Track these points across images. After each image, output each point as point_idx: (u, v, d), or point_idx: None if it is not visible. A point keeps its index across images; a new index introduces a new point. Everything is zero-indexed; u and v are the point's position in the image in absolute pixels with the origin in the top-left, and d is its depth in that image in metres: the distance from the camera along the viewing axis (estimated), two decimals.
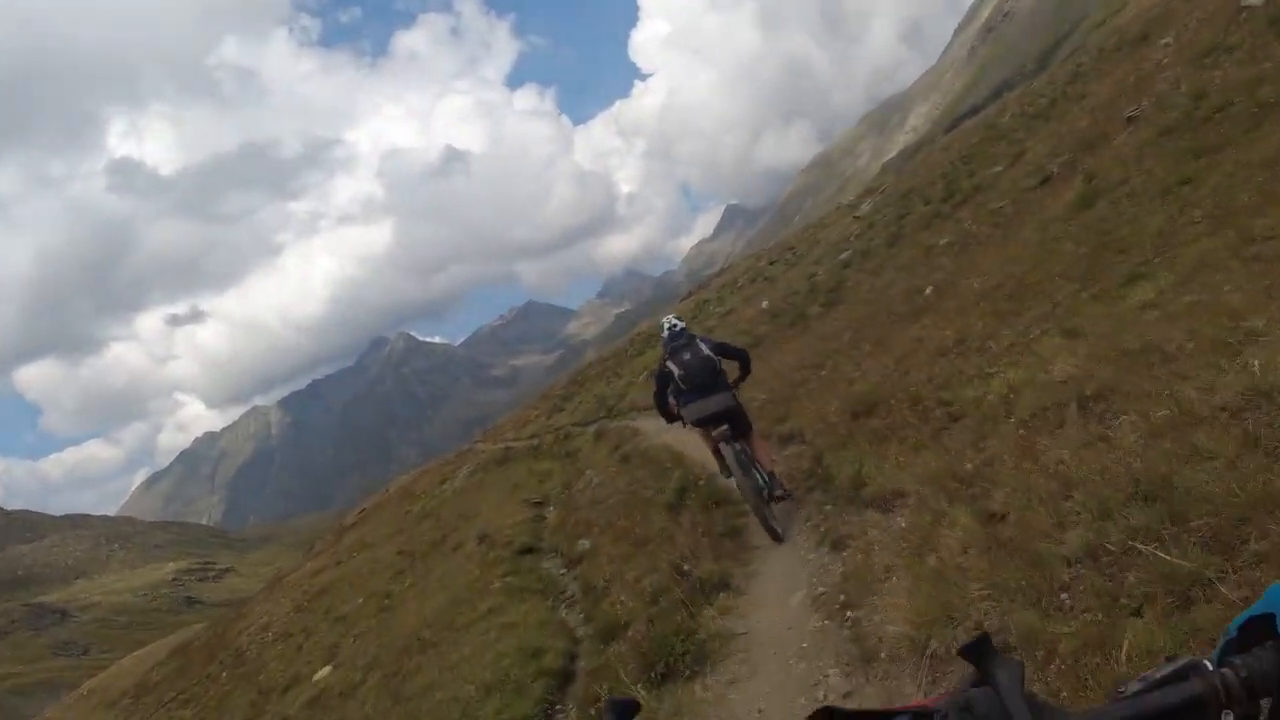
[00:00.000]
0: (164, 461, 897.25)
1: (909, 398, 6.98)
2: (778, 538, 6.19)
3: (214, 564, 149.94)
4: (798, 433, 8.50)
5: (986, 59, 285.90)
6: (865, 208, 29.64)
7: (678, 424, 7.04)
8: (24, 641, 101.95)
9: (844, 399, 8.27)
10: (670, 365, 6.62)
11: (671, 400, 6.88)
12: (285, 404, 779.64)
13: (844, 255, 22.90)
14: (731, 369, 6.93)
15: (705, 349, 6.57)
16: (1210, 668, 0.73)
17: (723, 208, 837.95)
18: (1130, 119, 13.17)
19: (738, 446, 6.30)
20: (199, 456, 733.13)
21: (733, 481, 6.59)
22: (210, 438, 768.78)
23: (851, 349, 11.54)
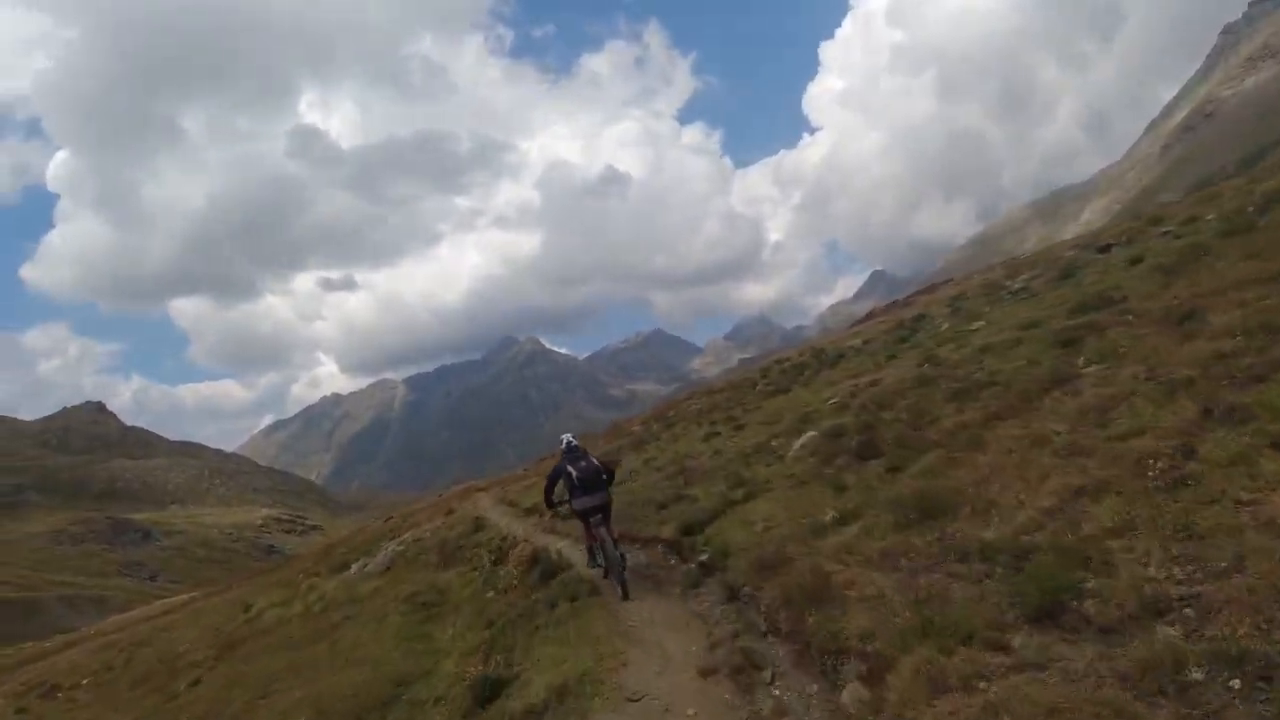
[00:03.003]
0: (290, 412, 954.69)
1: None
2: (626, 595, 8.77)
3: (304, 519, 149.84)
4: None
5: (1180, 158, 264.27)
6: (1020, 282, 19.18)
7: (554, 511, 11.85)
8: (94, 553, 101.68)
9: None
10: (570, 469, 9.36)
11: (561, 494, 9.74)
12: (410, 382, 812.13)
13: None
14: None
15: (595, 461, 9.51)
16: None
17: (868, 272, 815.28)
18: None
19: (604, 532, 9.23)
20: (322, 415, 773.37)
21: (591, 570, 9.89)
22: (336, 399, 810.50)
23: None
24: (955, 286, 27.05)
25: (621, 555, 9.08)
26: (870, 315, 37.82)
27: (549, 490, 9.87)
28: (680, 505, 10.59)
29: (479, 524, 15.63)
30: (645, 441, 20.74)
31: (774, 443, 11.87)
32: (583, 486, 9.19)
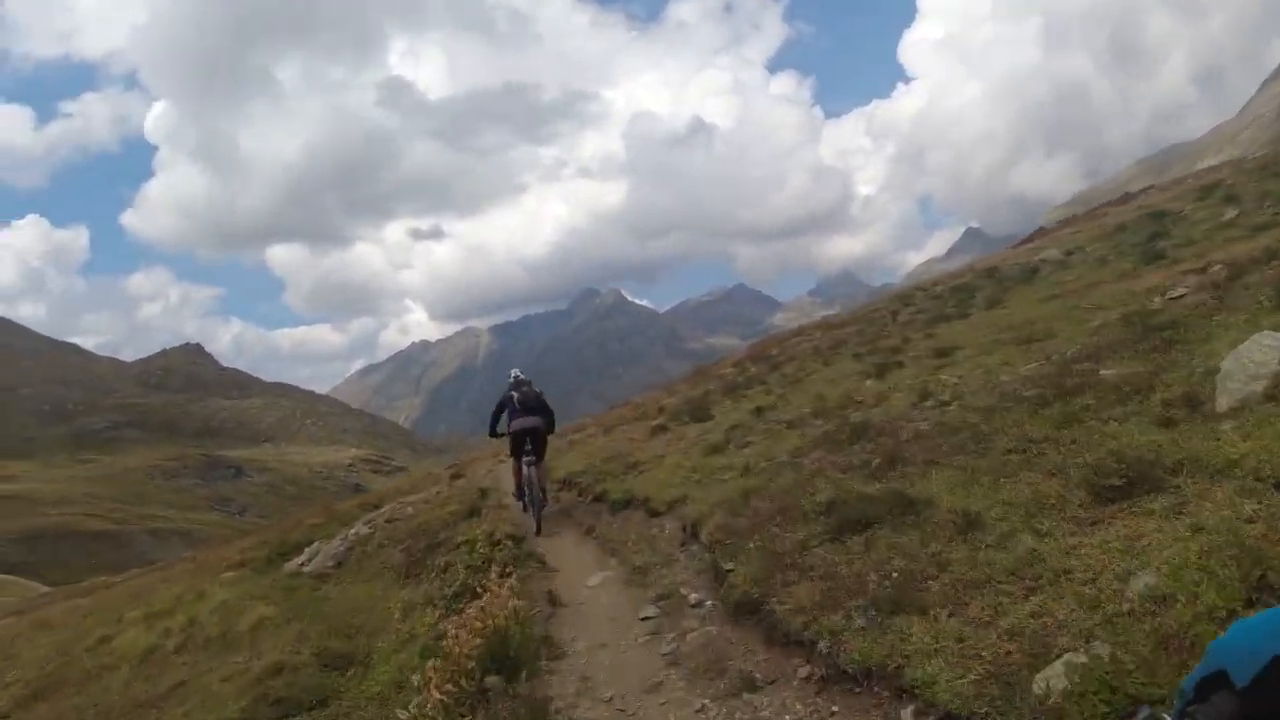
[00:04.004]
0: (381, 357, 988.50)
1: None
2: (539, 531, 9.59)
3: (390, 460, 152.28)
4: None
5: None
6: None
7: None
8: (186, 489, 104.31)
9: None
10: (513, 393, 10.32)
11: (504, 425, 10.41)
12: (495, 330, 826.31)
13: None
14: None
15: (537, 390, 10.45)
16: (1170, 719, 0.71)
17: (962, 229, 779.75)
18: None
19: (531, 471, 9.88)
20: (411, 360, 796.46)
21: (519, 502, 10.39)
22: (424, 345, 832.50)
23: None
24: (1161, 192, 20.73)
25: (543, 494, 10.06)
26: (1039, 233, 31.51)
27: (494, 420, 10.55)
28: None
29: (482, 497, 11.66)
30: (742, 386, 15.79)
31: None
32: (523, 407, 10.14)
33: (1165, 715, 0.87)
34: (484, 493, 11.80)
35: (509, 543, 8.18)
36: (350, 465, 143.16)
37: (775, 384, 14.48)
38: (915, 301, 18.43)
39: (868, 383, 10.35)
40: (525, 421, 10.04)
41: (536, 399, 10.24)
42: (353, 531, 11.66)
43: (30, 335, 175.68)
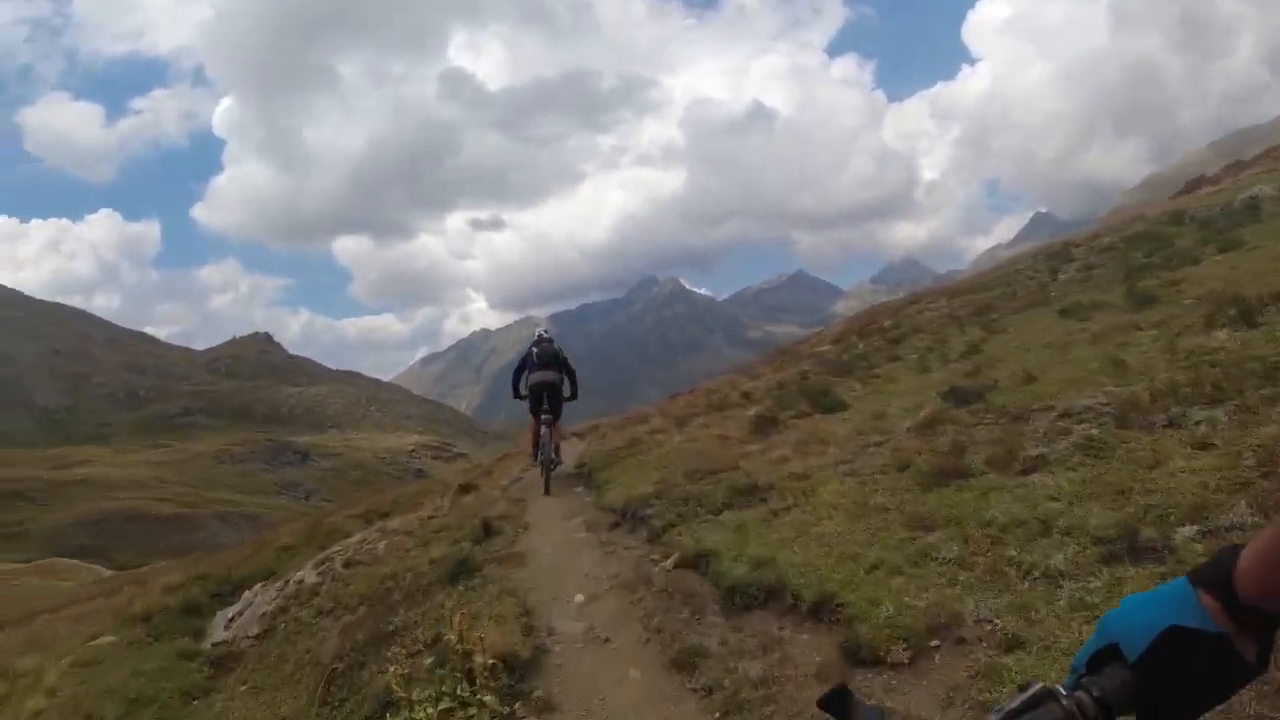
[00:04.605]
0: (443, 345, 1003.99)
1: None
2: (548, 490, 9.66)
3: (452, 446, 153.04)
4: None
5: None
6: None
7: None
8: (254, 473, 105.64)
9: None
10: (533, 349, 10.28)
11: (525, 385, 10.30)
12: (555, 319, 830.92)
13: None
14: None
15: (558, 347, 10.40)
16: (1064, 692, 0.78)
17: (1030, 214, 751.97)
18: None
19: (547, 430, 9.85)
20: (472, 348, 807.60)
21: (532, 463, 10.58)
22: (485, 334, 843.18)
23: None
24: None
25: (556, 454, 10.05)
26: (1200, 181, 27.38)
27: (516, 378, 10.51)
28: None
29: (485, 535, 8.16)
30: (858, 366, 12.74)
31: None
32: (540, 362, 10.18)
33: (1059, 688, 0.83)
34: (487, 528, 8.31)
35: (501, 672, 4.44)
36: (413, 451, 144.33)
37: (913, 359, 11.30)
38: (1076, 257, 14.95)
39: (1144, 334, 7.11)
40: (543, 376, 10.10)
41: (555, 355, 10.24)
42: (298, 577, 8.75)
43: (105, 325, 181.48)
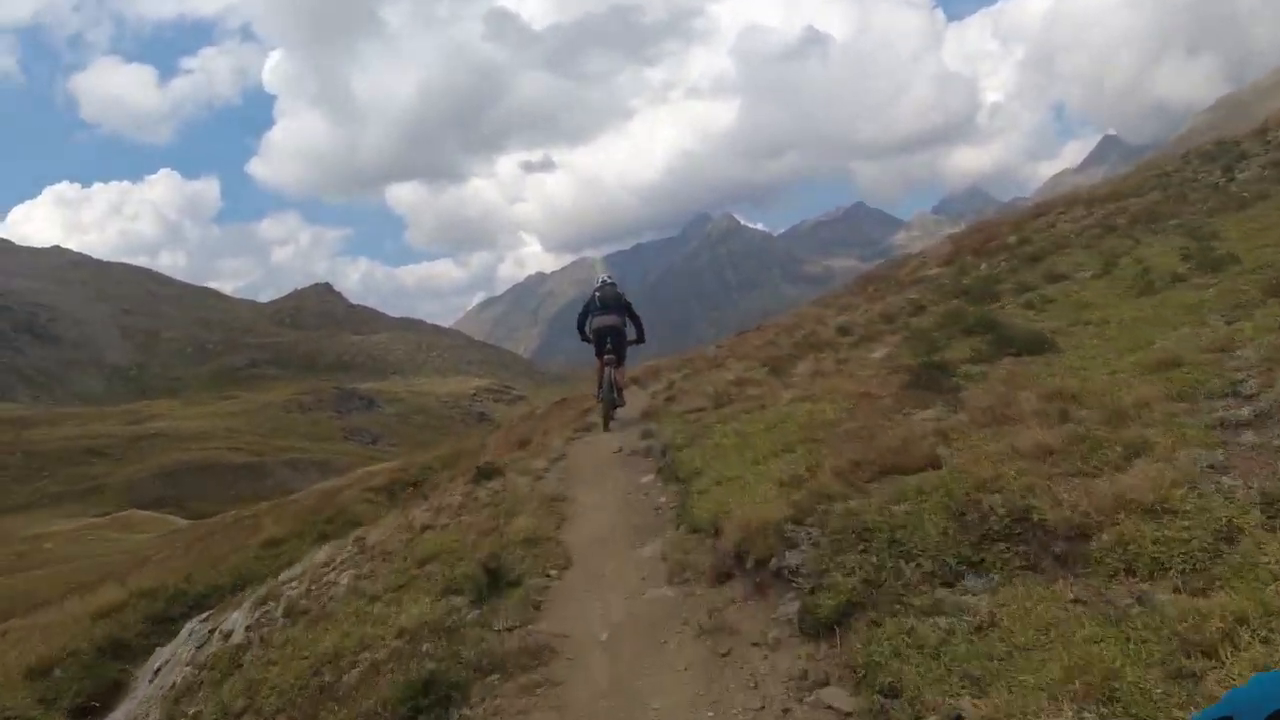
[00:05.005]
0: (500, 289, 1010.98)
1: None
2: (607, 428, 9.96)
3: (512, 388, 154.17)
4: None
5: None
6: None
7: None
8: (322, 420, 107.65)
9: None
10: (595, 293, 10.53)
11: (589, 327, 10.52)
12: (609, 260, 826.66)
13: None
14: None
15: (620, 291, 10.49)
16: None
17: (1098, 137, 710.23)
18: None
19: (610, 371, 10.05)
20: (528, 292, 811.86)
21: (596, 398, 10.60)
22: (540, 277, 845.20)
23: None
24: None
25: (619, 394, 10.30)
26: None
27: (581, 321, 10.63)
28: None
29: (492, 586, 5.08)
30: (987, 291, 10.25)
31: None
32: (602, 306, 10.42)
33: None
34: (494, 575, 5.31)
35: None
36: (474, 395, 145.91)
37: (1094, 280, 8.59)
38: (1251, 153, 12.01)
39: None
40: (605, 319, 10.35)
41: (617, 299, 10.44)
42: (227, 625, 6.30)
43: (172, 283, 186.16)
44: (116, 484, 66.11)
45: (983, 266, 13.84)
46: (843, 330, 11.83)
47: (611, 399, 10.18)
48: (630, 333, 10.66)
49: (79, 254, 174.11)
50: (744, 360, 11.82)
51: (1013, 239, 14.72)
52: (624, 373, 10.67)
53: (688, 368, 13.94)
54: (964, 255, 15.72)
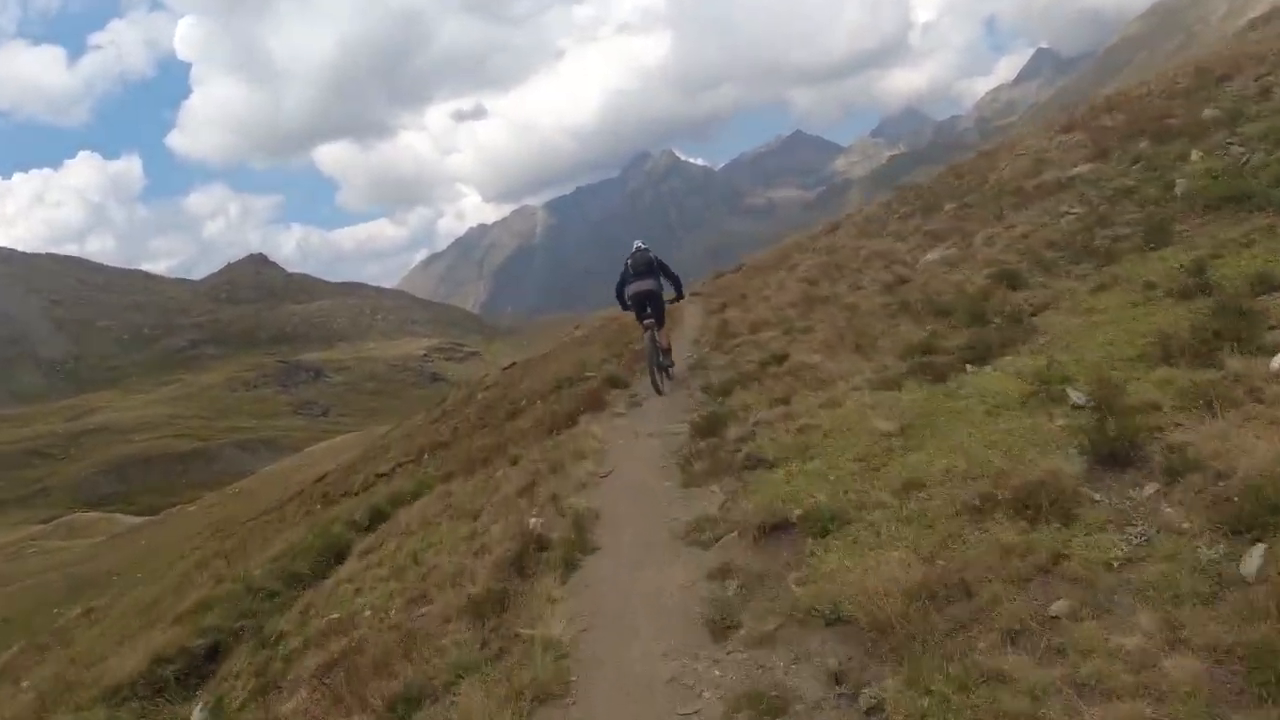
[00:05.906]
0: (441, 245, 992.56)
1: None
2: (659, 391, 10.15)
3: (463, 346, 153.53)
4: None
5: None
6: None
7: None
8: (268, 397, 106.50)
9: None
10: (628, 260, 10.52)
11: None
12: (550, 206, 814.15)
13: None
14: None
15: (652, 255, 10.54)
16: None
17: (1031, 50, 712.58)
18: None
19: (652, 334, 10.22)
20: (471, 245, 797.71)
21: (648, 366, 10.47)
22: (482, 229, 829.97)
23: None
24: None
25: (665, 357, 10.61)
26: None
27: (619, 290, 10.74)
28: None
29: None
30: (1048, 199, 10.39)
31: None
32: (635, 272, 10.46)
33: None
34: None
35: None
36: (425, 355, 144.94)
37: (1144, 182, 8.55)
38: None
39: None
40: (639, 285, 10.44)
41: (649, 263, 10.49)
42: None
43: (101, 269, 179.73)
44: (61, 484, 65.30)
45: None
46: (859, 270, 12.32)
47: (658, 361, 10.29)
48: (669, 291, 10.99)
49: (5, 248, 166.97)
50: (756, 298, 14.24)
51: (1075, 134, 13.42)
52: (665, 333, 10.76)
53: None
54: (1115, 142, 11.56)
